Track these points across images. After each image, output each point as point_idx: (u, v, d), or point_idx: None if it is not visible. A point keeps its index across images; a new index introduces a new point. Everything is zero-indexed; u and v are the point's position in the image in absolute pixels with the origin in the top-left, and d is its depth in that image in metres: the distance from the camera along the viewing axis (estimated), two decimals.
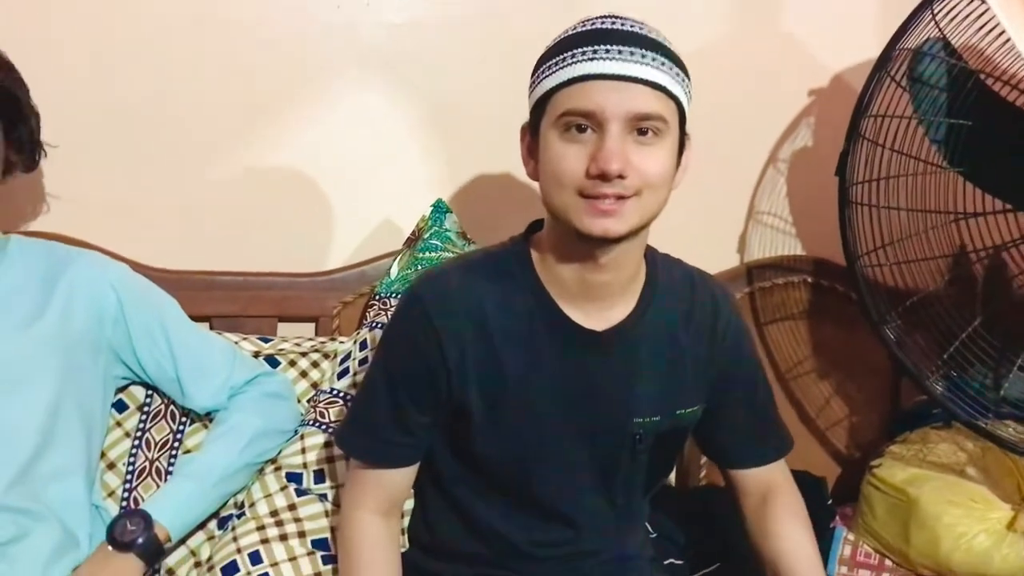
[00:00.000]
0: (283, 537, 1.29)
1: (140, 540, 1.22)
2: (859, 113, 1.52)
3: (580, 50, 1.04)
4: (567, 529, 1.22)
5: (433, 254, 1.54)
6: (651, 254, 1.21)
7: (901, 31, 1.48)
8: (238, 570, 1.25)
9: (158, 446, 1.39)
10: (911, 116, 1.51)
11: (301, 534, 1.30)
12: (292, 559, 1.28)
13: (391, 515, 1.21)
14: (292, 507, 1.33)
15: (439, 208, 1.61)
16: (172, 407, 1.41)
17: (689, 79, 1.08)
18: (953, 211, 1.58)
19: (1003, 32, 1.40)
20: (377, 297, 1.54)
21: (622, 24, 1.06)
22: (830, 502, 1.76)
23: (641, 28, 1.06)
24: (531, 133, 1.12)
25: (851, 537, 1.72)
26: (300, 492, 1.34)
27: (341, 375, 1.44)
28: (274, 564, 1.26)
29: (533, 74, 1.11)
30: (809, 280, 1.88)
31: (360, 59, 1.65)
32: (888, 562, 1.67)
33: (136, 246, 1.56)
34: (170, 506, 1.26)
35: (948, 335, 1.54)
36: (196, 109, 1.60)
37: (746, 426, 1.29)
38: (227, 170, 1.64)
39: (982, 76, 1.46)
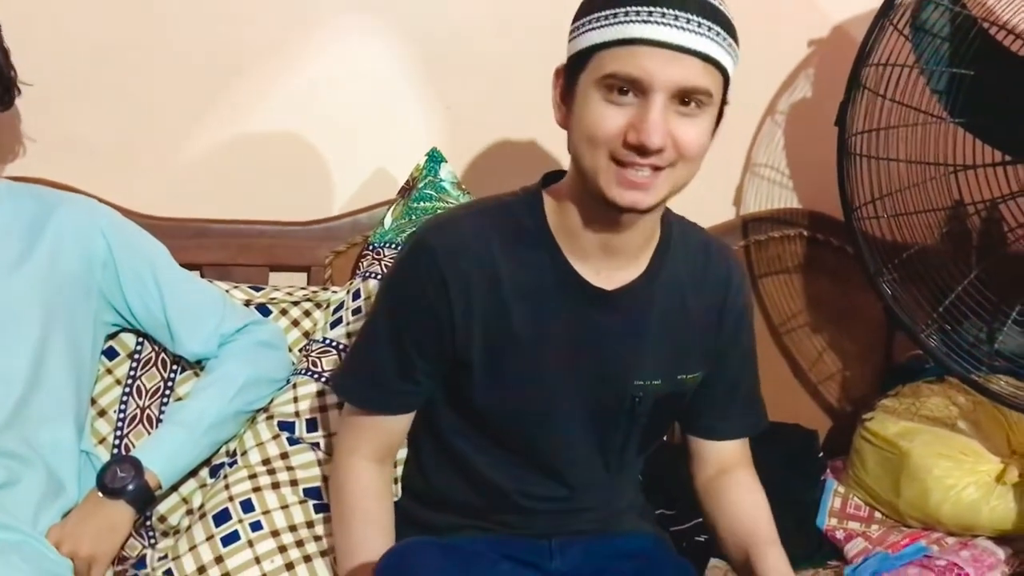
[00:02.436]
0: (275, 485, 1.29)
1: (130, 487, 1.21)
2: (860, 62, 1.50)
3: (634, 8, 0.97)
4: (561, 484, 1.22)
5: (427, 204, 1.52)
6: (668, 216, 1.19)
7: None
8: (230, 518, 1.25)
9: (149, 393, 1.39)
10: (913, 65, 1.49)
11: (293, 482, 1.30)
12: (284, 507, 1.28)
13: (385, 462, 1.21)
14: (284, 455, 1.32)
15: (434, 158, 1.58)
16: (163, 354, 1.40)
17: (738, 44, 1.03)
18: (951, 163, 1.56)
19: None
20: (371, 247, 1.52)
21: None
22: (821, 455, 1.78)
23: None
24: (566, 80, 1.07)
25: (841, 490, 1.73)
26: (292, 441, 1.34)
27: (334, 324, 1.43)
28: (266, 512, 1.26)
29: (577, 19, 1.04)
30: (805, 233, 1.87)
31: (354, 4, 1.62)
32: (878, 514, 1.68)
33: (125, 193, 1.54)
34: (160, 453, 1.26)
35: (943, 288, 1.54)
36: (185, 55, 1.57)
37: (724, 401, 1.28)
38: (218, 117, 1.61)
39: (985, 25, 1.44)
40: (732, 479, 1.29)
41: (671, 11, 0.97)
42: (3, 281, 1.21)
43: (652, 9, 0.97)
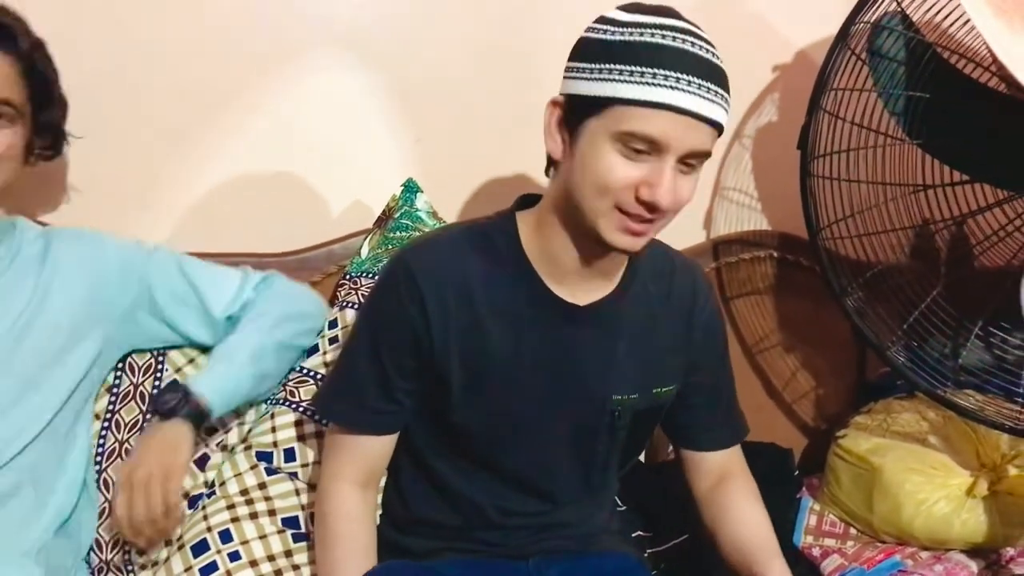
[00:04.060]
0: (253, 515, 1.30)
1: (181, 405, 1.25)
2: (820, 87, 1.54)
3: (663, 73, 1.00)
4: (541, 501, 1.24)
5: (404, 234, 1.54)
6: None
7: (861, 5, 1.49)
8: (208, 548, 1.25)
9: (127, 427, 1.39)
10: (871, 89, 1.53)
11: (271, 512, 1.31)
12: (262, 537, 1.28)
13: (369, 487, 1.22)
14: (262, 485, 1.33)
15: (410, 188, 1.61)
16: (141, 388, 1.41)
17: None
18: (913, 183, 1.60)
19: (958, 6, 1.42)
20: (348, 277, 1.54)
21: (699, 46, 1.02)
22: (796, 472, 1.79)
23: (710, 52, 1.03)
24: (569, 115, 1.08)
25: (817, 507, 1.75)
26: (270, 471, 1.34)
27: (311, 353, 1.44)
28: (244, 542, 1.27)
29: (590, 60, 1.05)
30: (775, 254, 1.90)
31: (329, 38, 1.65)
32: (853, 530, 1.70)
33: (98, 224, 1.54)
34: (205, 380, 1.29)
35: (908, 306, 1.57)
36: (161, 89, 1.58)
37: (707, 410, 1.31)
38: (193, 151, 1.63)
39: (939, 49, 1.48)
40: (731, 489, 1.31)
41: (696, 79, 1.00)
42: (31, 335, 1.25)
43: (680, 76, 1.00)
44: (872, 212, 1.62)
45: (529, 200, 1.20)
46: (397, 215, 1.57)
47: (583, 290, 1.17)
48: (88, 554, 1.34)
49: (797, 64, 1.85)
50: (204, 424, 1.30)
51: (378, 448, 1.21)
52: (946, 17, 1.51)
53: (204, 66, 1.60)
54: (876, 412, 1.76)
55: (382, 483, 1.31)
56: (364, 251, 1.57)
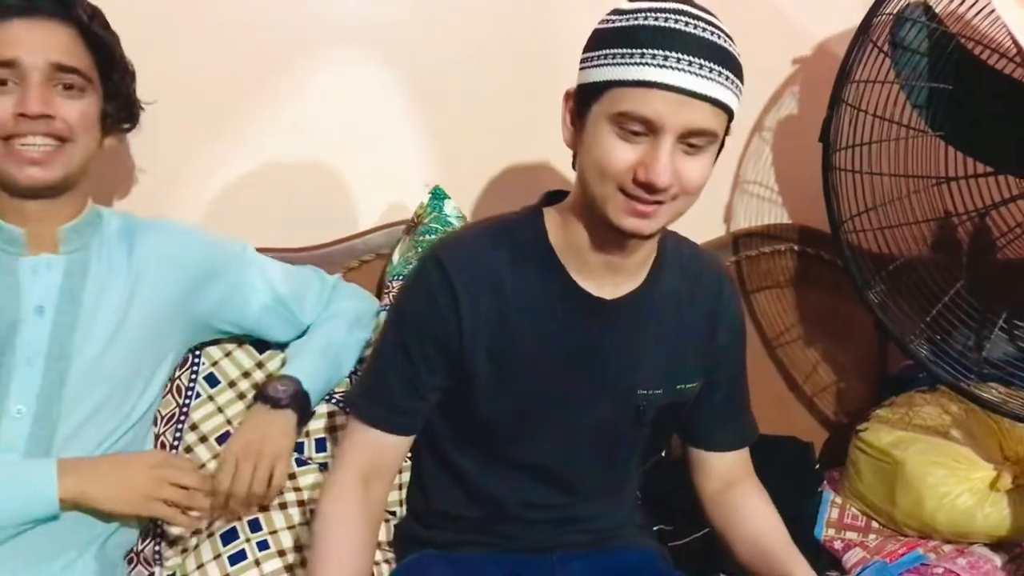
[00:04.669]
0: (282, 505, 1.32)
1: (291, 394, 1.29)
2: (842, 79, 1.53)
3: (651, 52, 1.00)
4: (563, 494, 1.25)
5: (433, 237, 1.55)
6: (662, 232, 1.21)
7: None
8: (237, 536, 1.28)
9: (164, 420, 1.41)
10: (893, 81, 1.53)
11: (300, 503, 1.33)
12: (291, 527, 1.30)
13: (373, 480, 1.19)
14: (292, 476, 1.35)
15: (437, 195, 1.62)
16: (178, 381, 1.42)
17: (743, 83, 1.06)
18: (936, 175, 1.60)
19: None
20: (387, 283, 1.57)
21: (695, 25, 1.02)
22: (817, 466, 1.79)
23: (713, 32, 1.02)
24: (577, 104, 1.10)
25: (838, 500, 1.75)
26: (300, 462, 1.36)
27: None
28: (273, 532, 1.29)
29: (592, 49, 1.07)
30: (795, 248, 1.90)
31: (352, 35, 1.65)
32: (875, 523, 1.70)
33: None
34: (305, 372, 1.32)
35: (931, 299, 1.57)
36: (184, 85, 1.59)
37: (721, 410, 1.31)
38: (212, 148, 1.64)
39: (962, 40, 1.48)
40: (741, 491, 1.31)
41: (685, 56, 1.00)
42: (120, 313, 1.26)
43: (668, 53, 1.00)
44: (894, 205, 1.61)
45: (556, 196, 1.21)
46: (427, 220, 1.59)
47: (610, 284, 1.17)
48: None
49: (817, 56, 1.85)
50: (308, 418, 1.34)
51: (392, 447, 1.20)
52: (969, 8, 1.50)
53: (220, 65, 1.61)
54: (898, 405, 1.75)
55: (398, 480, 1.32)
56: (395, 257, 1.59)
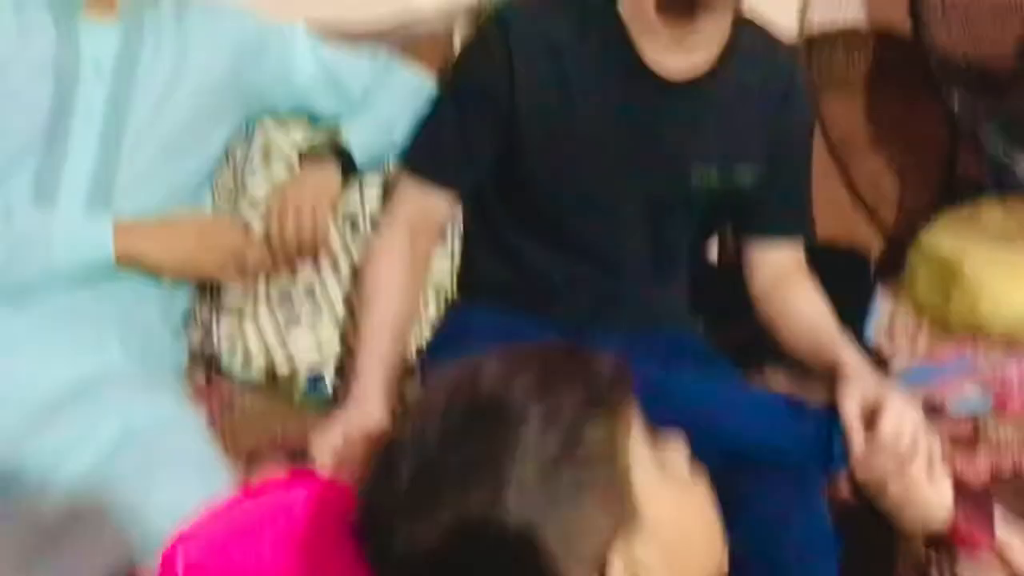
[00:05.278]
0: (336, 269, 1.34)
1: (330, 147, 1.31)
2: None
3: None
4: (606, 273, 1.26)
5: None
6: (738, 19, 1.20)
7: None
8: (292, 302, 1.33)
9: (221, 192, 1.41)
10: None
11: (354, 269, 1.34)
12: (345, 294, 1.34)
13: (420, 235, 1.21)
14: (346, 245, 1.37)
15: None
16: (235, 155, 1.41)
17: None
18: None
19: None
20: None
21: None
22: (874, 277, 1.78)
23: None
24: None
25: (891, 305, 1.73)
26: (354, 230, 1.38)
27: None
28: (327, 298, 1.33)
29: None
30: (871, 45, 1.82)
31: None
32: (925, 328, 1.69)
33: None
34: (353, 136, 1.33)
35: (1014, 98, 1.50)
36: None
37: (781, 196, 1.29)
38: None
39: None
40: (793, 282, 1.30)
41: None
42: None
43: None
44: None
45: None
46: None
47: (678, 60, 1.15)
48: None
49: None
50: (351, 176, 1.34)
51: (439, 202, 1.21)
52: None
53: None
54: (963, 212, 1.71)
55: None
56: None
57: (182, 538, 0.70)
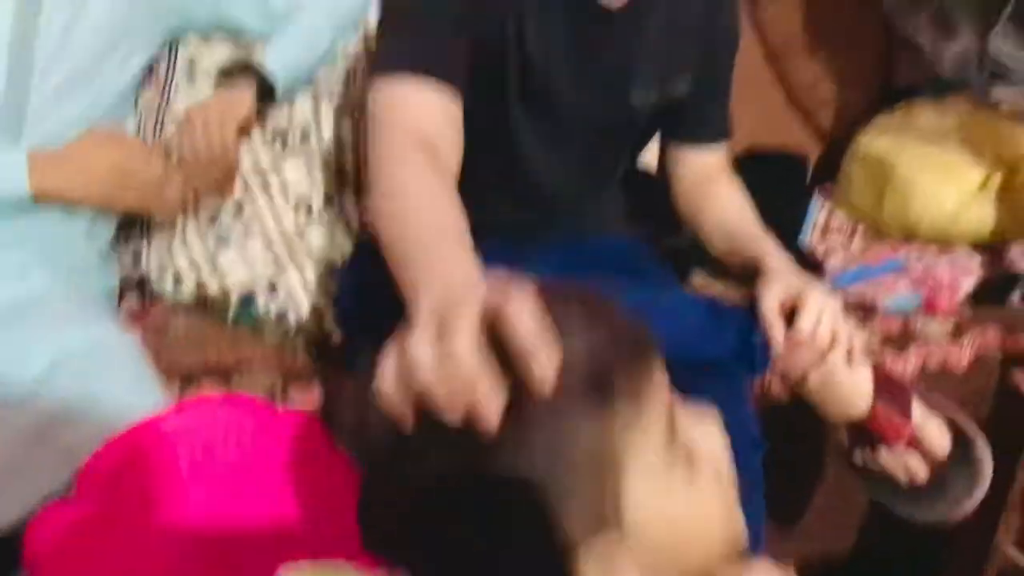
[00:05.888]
0: (265, 188, 1.33)
1: (242, 69, 1.29)
2: None
3: None
4: (545, 192, 1.24)
5: None
6: None
7: None
8: (221, 222, 1.31)
9: (146, 110, 1.38)
10: None
11: (283, 187, 1.34)
12: (273, 213, 1.33)
13: (435, 140, 0.98)
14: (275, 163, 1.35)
15: None
16: (158, 72, 1.38)
17: None
18: None
19: None
20: None
21: None
22: (810, 179, 1.79)
23: None
24: None
25: (827, 207, 1.76)
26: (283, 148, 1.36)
27: None
28: (256, 217, 1.32)
29: None
30: None
31: None
32: (860, 229, 1.72)
33: None
34: (272, 57, 1.31)
35: None
36: None
37: (710, 103, 1.28)
38: None
39: None
40: (716, 184, 1.30)
41: None
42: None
43: None
44: None
45: None
46: None
47: None
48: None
49: None
50: (269, 99, 1.31)
51: (444, 107, 1.01)
52: None
53: None
54: (898, 113, 1.72)
55: None
56: None
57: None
